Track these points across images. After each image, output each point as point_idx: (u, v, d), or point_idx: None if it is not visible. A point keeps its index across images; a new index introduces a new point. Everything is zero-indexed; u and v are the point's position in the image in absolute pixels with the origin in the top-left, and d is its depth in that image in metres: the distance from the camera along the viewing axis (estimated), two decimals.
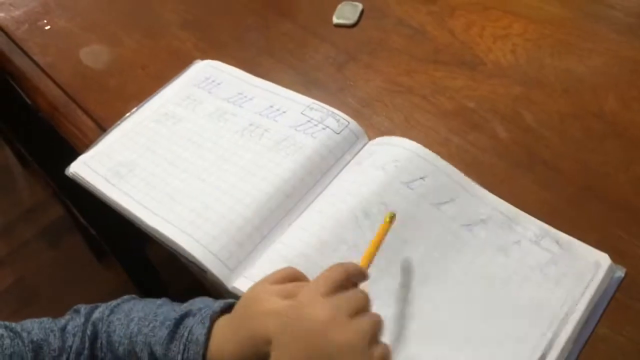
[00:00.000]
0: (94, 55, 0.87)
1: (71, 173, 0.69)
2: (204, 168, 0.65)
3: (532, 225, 0.58)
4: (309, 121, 0.67)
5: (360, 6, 0.85)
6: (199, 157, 0.67)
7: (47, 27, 0.92)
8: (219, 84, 0.75)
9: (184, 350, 0.48)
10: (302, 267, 0.53)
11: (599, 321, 0.52)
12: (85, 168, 0.69)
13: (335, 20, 0.83)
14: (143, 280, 1.49)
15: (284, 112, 0.69)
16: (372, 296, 0.47)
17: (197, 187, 0.64)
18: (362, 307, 0.45)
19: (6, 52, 0.89)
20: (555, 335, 0.50)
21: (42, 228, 1.80)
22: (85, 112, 0.79)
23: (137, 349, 0.50)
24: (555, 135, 0.66)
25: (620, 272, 0.54)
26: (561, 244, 0.56)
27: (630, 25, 0.76)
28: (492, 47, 0.76)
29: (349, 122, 0.67)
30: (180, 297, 0.56)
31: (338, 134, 0.66)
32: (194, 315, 0.50)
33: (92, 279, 1.62)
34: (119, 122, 0.74)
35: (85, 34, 0.90)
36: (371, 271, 0.50)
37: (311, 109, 0.68)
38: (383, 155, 0.63)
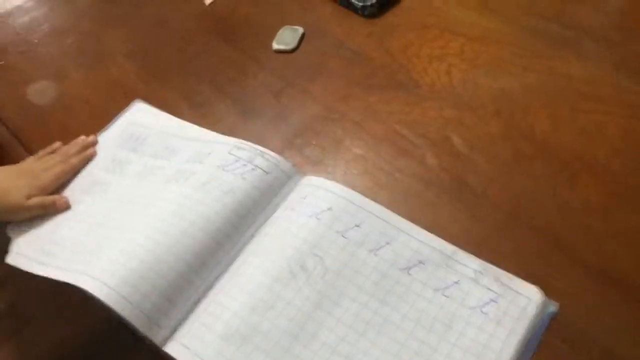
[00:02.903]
0: (40, 91, 0.87)
1: (10, 263, 0.68)
2: (134, 222, 0.64)
3: (471, 263, 0.56)
4: (237, 161, 0.66)
5: (300, 30, 0.84)
6: (128, 212, 0.65)
7: None
8: (144, 139, 0.74)
9: None
10: (238, 330, 0.54)
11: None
12: (20, 258, 0.67)
13: (274, 46, 0.82)
14: None
15: (209, 153, 0.68)
16: (310, 353, 0.52)
17: (127, 241, 0.61)
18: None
19: None
20: None
21: None
22: (26, 149, 0.79)
23: None
24: (484, 159, 0.65)
25: (553, 307, 0.53)
26: (500, 281, 0.54)
27: (567, 39, 0.74)
28: (428, 69, 0.75)
29: (278, 161, 0.65)
30: None
31: (268, 174, 0.64)
32: None
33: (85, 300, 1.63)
34: None
35: (35, 70, 0.90)
36: (309, 326, 0.54)
37: (238, 148, 0.67)
38: (316, 201, 0.62)
